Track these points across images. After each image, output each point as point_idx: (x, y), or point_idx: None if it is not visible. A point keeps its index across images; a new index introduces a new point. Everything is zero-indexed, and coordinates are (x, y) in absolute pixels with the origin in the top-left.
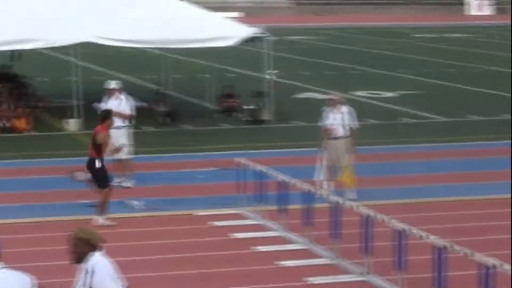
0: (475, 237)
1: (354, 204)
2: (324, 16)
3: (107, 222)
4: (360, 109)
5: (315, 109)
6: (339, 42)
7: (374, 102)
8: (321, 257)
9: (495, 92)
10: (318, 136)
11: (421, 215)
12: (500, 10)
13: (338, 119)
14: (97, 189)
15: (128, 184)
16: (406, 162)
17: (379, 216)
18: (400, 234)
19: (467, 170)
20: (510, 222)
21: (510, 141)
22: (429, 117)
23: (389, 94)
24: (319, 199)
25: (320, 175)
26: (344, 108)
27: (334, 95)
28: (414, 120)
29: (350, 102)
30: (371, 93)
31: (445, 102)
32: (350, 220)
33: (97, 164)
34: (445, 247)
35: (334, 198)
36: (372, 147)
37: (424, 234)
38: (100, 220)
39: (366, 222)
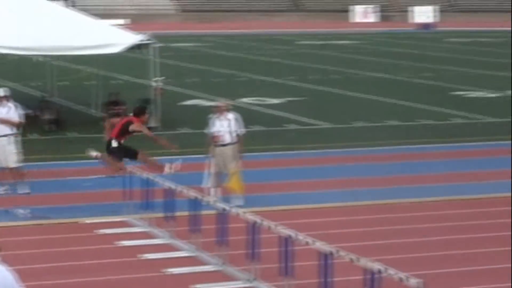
0: (362, 242)
1: (240, 210)
2: (210, 23)
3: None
4: (247, 116)
5: (202, 116)
6: (226, 49)
7: (261, 109)
8: (208, 264)
9: (380, 98)
10: (205, 143)
11: (308, 221)
12: (384, 17)
13: (225, 126)
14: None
15: (26, 190)
16: (292, 168)
17: (266, 223)
18: (286, 240)
19: (354, 176)
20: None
21: (397, 147)
22: (315, 123)
23: (275, 101)
24: (206, 206)
25: (208, 182)
26: (231, 115)
27: (221, 102)
28: (301, 127)
29: (237, 109)
30: (258, 100)
31: (331, 108)
32: (237, 227)
33: (114, 143)
34: (331, 253)
35: (221, 204)
36: (259, 153)
37: (310, 240)
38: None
39: (253, 229)
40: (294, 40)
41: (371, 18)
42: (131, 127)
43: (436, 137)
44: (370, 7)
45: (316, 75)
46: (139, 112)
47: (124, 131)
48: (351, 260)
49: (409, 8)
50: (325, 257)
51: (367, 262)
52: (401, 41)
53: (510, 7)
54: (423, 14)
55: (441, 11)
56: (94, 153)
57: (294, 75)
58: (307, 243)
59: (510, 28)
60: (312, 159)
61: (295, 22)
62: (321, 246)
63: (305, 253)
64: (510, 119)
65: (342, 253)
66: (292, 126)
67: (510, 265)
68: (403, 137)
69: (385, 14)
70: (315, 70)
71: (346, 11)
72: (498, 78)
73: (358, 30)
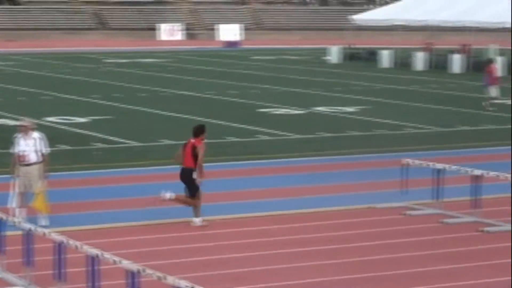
0: (175, 260)
1: (46, 230)
2: (14, 42)
3: (204, 223)
4: (52, 135)
5: (7, 136)
6: (30, 67)
7: (66, 127)
8: (14, 285)
9: (187, 116)
10: (10, 162)
11: (115, 240)
12: (190, 35)
13: (30, 145)
14: (189, 196)
15: None
16: (99, 187)
17: (72, 242)
18: (93, 260)
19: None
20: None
21: (204, 165)
22: (122, 142)
23: (81, 120)
24: (11, 226)
25: (13, 202)
26: (36, 134)
27: (25, 121)
28: (108, 145)
29: (42, 128)
30: (63, 119)
31: (138, 126)
32: (43, 247)
33: (194, 174)
34: (138, 271)
35: (27, 225)
36: (65, 173)
37: (117, 258)
38: (197, 221)
39: (59, 249)
40: (100, 59)
41: (178, 36)
42: (197, 152)
43: (243, 154)
44: (176, 25)
45: (121, 93)
46: (199, 132)
47: (195, 157)
48: (159, 278)
49: (215, 26)
50: (132, 275)
51: (174, 280)
52: (207, 58)
53: (313, 25)
54: (229, 32)
55: (247, 29)
56: (168, 195)
57: (99, 93)
58: (114, 262)
59: (311, 46)
60: (119, 178)
61: (100, 40)
62: (128, 264)
63: (113, 272)
64: (314, 135)
65: (149, 271)
66: (99, 145)
67: (510, 262)
68: (211, 154)
69: (192, 32)
70: (120, 88)
71: (153, 29)
72: (302, 95)
73: (164, 48)
